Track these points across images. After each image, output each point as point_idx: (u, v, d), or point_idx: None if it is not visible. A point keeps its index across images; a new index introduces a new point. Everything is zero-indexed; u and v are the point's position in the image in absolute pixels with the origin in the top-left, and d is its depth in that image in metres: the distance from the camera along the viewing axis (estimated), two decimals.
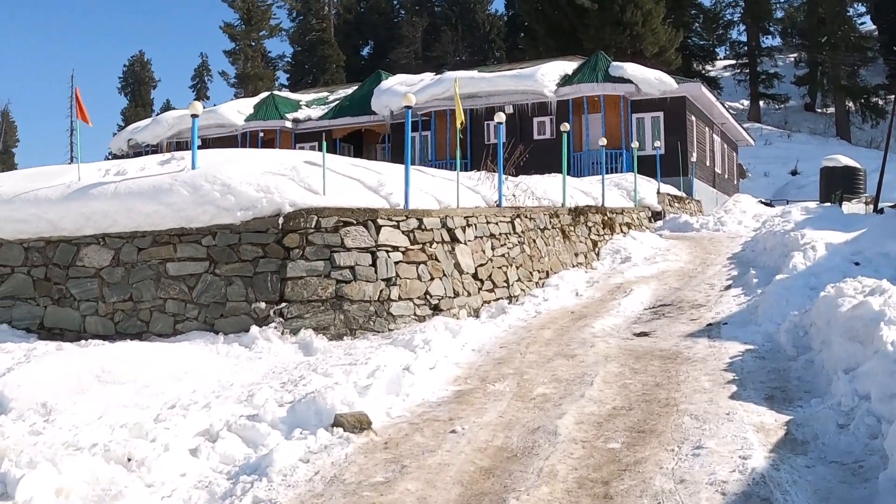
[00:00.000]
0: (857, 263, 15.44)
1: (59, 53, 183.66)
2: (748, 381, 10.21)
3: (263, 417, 9.14)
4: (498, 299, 16.57)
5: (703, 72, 78.86)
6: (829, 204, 27.70)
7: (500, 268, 17.14)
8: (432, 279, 14.93)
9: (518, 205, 19.63)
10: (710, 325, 14.08)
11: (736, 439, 7.91)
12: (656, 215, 31.53)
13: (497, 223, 17.73)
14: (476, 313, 15.69)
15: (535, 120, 39.71)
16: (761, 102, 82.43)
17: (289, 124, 46.28)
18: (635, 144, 33.34)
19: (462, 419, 9.24)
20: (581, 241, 22.36)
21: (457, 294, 15.38)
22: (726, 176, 48.82)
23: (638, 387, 10.26)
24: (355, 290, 13.99)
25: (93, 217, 15.01)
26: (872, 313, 9.48)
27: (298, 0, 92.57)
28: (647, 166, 34.45)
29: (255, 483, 7.59)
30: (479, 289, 16.25)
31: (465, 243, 16.18)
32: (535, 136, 38.83)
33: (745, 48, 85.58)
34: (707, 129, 43.22)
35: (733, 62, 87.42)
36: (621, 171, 35.59)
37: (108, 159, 42.59)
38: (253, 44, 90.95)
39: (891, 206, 21.98)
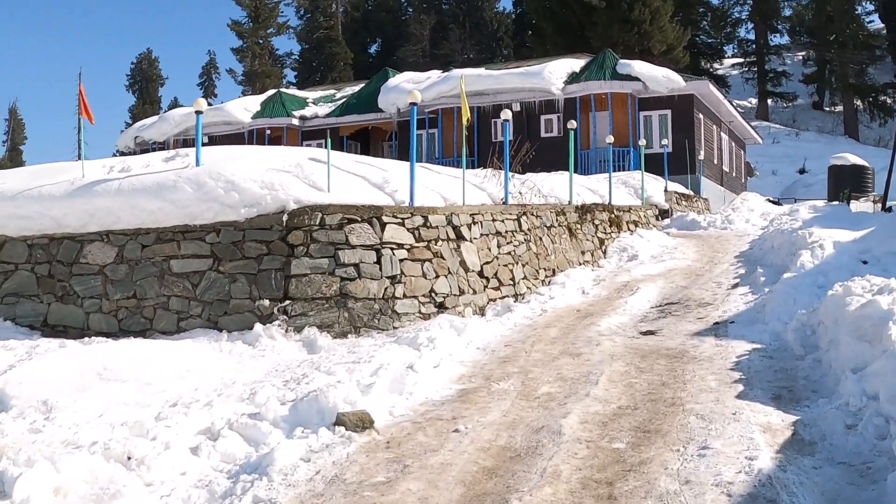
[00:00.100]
0: (865, 262, 15.32)
1: (67, 51, 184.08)
2: (755, 381, 10.10)
3: (265, 416, 9.06)
4: (504, 297, 16.48)
5: (711, 70, 78.83)
6: (837, 202, 27.63)
7: (505, 266, 17.06)
8: (437, 277, 14.84)
9: (524, 202, 19.53)
10: (716, 323, 13.98)
11: (742, 440, 7.81)
12: (663, 213, 31.41)
13: (503, 221, 17.63)
14: (481, 311, 15.60)
15: (543, 118, 39.62)
16: (769, 101, 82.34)
17: (296, 122, 46.22)
18: (643, 142, 33.25)
19: (465, 418, 9.15)
20: (588, 239, 22.26)
21: (462, 292, 15.29)
22: (734, 174, 48.70)
23: (643, 386, 10.17)
24: (360, 288, 13.90)
25: (97, 214, 14.94)
26: (881, 312, 9.37)
27: None
28: (654, 164, 34.36)
29: (255, 482, 7.52)
30: (485, 287, 16.17)
31: (471, 241, 16.08)
32: (543, 134, 38.75)
33: (753, 46, 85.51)
34: (715, 126, 43.10)
35: (741, 60, 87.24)
36: (629, 169, 35.44)
37: (116, 157, 42.61)
38: (260, 41, 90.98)
39: None
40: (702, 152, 38.89)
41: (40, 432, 8.83)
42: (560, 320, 14.94)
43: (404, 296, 14.26)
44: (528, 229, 18.64)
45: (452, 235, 15.59)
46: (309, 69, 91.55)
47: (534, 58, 49.16)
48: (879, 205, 23.73)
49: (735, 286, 17.26)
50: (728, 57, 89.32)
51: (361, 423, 8.79)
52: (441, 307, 14.70)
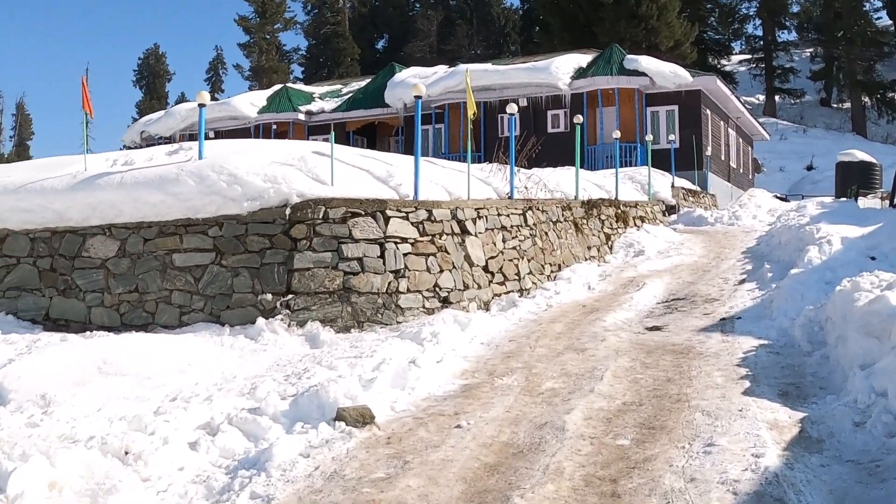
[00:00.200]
0: (873, 258, 15.19)
1: (74, 46, 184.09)
2: (762, 377, 9.97)
3: (265, 411, 8.95)
4: (509, 292, 16.38)
5: (719, 66, 78.67)
6: (844, 199, 27.54)
7: (511, 260, 16.94)
8: (442, 271, 14.73)
9: (530, 197, 19.41)
10: (723, 319, 13.86)
11: (749, 437, 7.67)
12: (670, 209, 31.30)
13: (508, 215, 17.52)
14: (486, 306, 15.49)
15: (549, 113, 39.48)
16: (777, 97, 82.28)
17: (302, 117, 46.10)
18: (649, 138, 33.08)
19: (468, 414, 9.02)
20: (594, 235, 22.14)
21: (467, 287, 15.18)
22: (741, 170, 48.54)
23: (649, 382, 10.04)
24: (363, 282, 13.80)
25: (99, 207, 14.86)
26: (890, 308, 9.23)
27: None
28: (661, 160, 34.23)
29: (253, 478, 7.40)
30: (490, 281, 16.06)
31: (476, 235, 15.97)
32: (549, 129, 38.61)
33: (761, 43, 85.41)
34: (722, 123, 42.94)
35: (749, 57, 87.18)
36: (635, 165, 35.32)
37: (122, 151, 42.54)
38: (267, 37, 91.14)
39: None
40: (709, 148, 38.74)
41: (37, 426, 8.75)
42: (565, 315, 14.82)
43: (408, 290, 14.15)
44: (534, 224, 18.52)
45: (457, 230, 15.48)
46: (316, 65, 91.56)
47: (541, 53, 48.94)
48: (887, 201, 23.62)
49: (742, 282, 17.15)
50: (736, 53, 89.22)
51: (362, 418, 8.67)
52: (445, 302, 14.60)
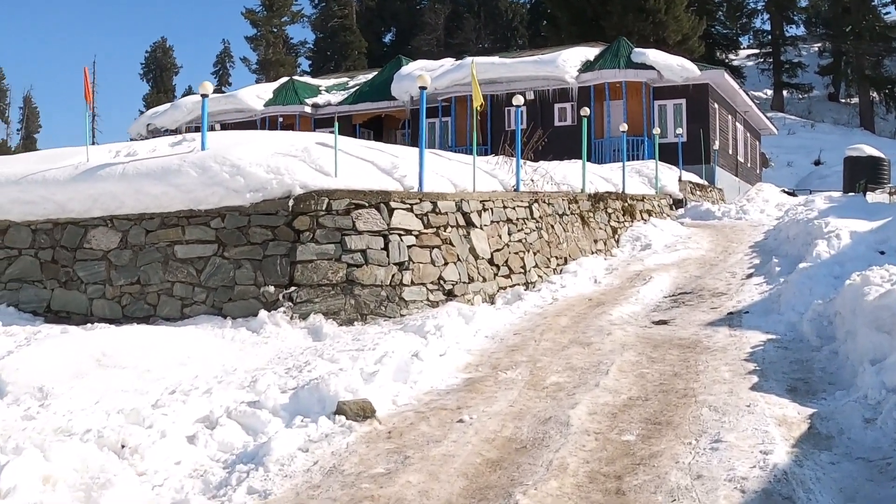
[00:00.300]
0: (882, 252, 15.04)
1: (82, 39, 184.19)
2: (770, 372, 9.82)
3: (265, 404, 8.82)
4: (514, 285, 16.23)
5: (727, 60, 78.35)
6: (852, 194, 27.35)
7: (516, 253, 16.80)
8: (446, 264, 14.59)
9: (536, 190, 19.26)
10: (730, 313, 13.71)
11: (757, 433, 7.51)
12: (677, 203, 31.17)
13: (514, 208, 17.37)
14: (491, 299, 15.35)
15: (556, 106, 39.33)
16: (785, 92, 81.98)
17: (308, 109, 46.00)
18: (657, 131, 32.91)
19: (470, 408, 8.89)
20: (600, 228, 22.00)
21: (472, 279, 15.04)
22: (749, 165, 48.37)
23: (655, 376, 9.90)
24: (366, 275, 13.67)
25: (100, 198, 14.75)
26: None
27: None
28: (668, 154, 34.06)
29: (251, 472, 7.28)
30: (495, 274, 15.91)
31: (481, 228, 15.83)
32: (556, 123, 38.46)
33: (769, 37, 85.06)
34: (730, 117, 42.77)
35: (757, 51, 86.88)
36: (643, 159, 35.21)
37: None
38: (275, 30, 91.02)
39: None
40: (717, 142, 38.58)
41: (34, 419, 8.61)
42: (571, 309, 14.69)
43: (412, 283, 14.02)
44: (540, 217, 18.37)
45: (462, 222, 15.33)
46: (323, 58, 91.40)
47: (548, 47, 48.77)
48: (895, 196, 23.46)
49: (750, 276, 17.00)
50: (743, 48, 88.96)
51: (362, 412, 8.54)
52: (450, 295, 14.45)
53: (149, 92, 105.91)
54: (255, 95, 47.39)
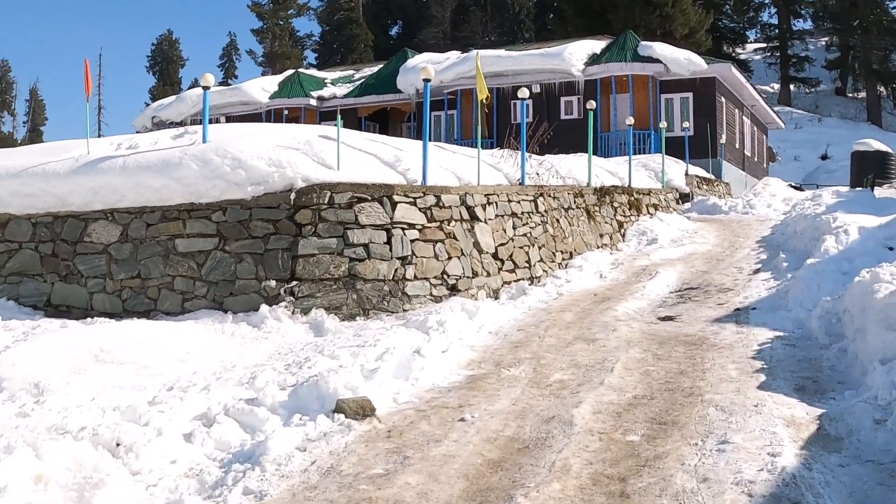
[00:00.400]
0: (890, 248, 14.88)
1: (88, 32, 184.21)
2: (778, 370, 9.65)
3: (263, 401, 8.67)
4: (518, 280, 16.09)
5: (734, 54, 78.23)
6: (860, 188, 27.22)
7: (521, 248, 16.65)
8: (450, 258, 14.43)
9: (542, 183, 19.10)
10: (737, 309, 13.55)
11: (764, 434, 7.32)
12: (684, 197, 31.00)
13: (519, 202, 17.21)
14: (495, 294, 15.21)
15: (563, 99, 39.14)
16: (792, 86, 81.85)
17: (314, 102, 45.85)
18: (663, 125, 32.76)
19: (472, 406, 8.73)
20: (606, 222, 21.85)
21: (475, 274, 14.89)
22: (756, 159, 48.17)
23: (661, 374, 9.74)
24: (369, 269, 13.51)
25: (101, 192, 14.63)
26: None
27: None
28: (675, 147, 33.90)
29: (247, 472, 7.13)
30: (499, 269, 15.76)
31: (486, 222, 15.68)
32: (563, 116, 38.29)
33: (776, 31, 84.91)
34: (737, 111, 42.58)
35: (764, 45, 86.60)
36: (649, 152, 35.03)
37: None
38: (281, 23, 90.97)
39: None
40: (723, 136, 38.41)
41: (28, 416, 8.46)
42: (576, 304, 14.54)
43: (415, 277, 13.87)
44: (545, 211, 18.21)
45: (466, 216, 15.18)
46: (329, 51, 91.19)
47: (555, 40, 48.58)
48: None
49: (757, 271, 16.86)
50: (750, 42, 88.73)
51: (362, 410, 8.38)
52: (453, 289, 14.31)
53: (155, 84, 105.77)
54: (261, 88, 47.27)
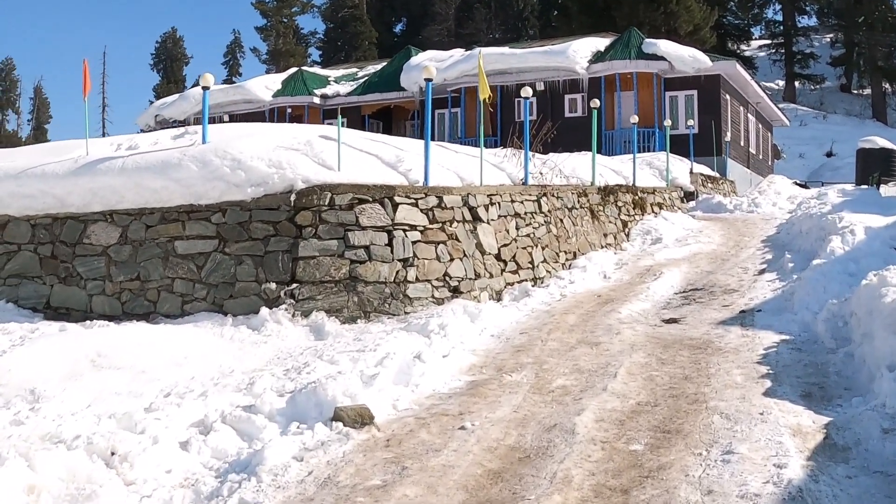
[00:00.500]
0: None
1: (92, 29, 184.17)
2: (783, 376, 9.48)
3: (261, 409, 8.54)
4: (522, 281, 15.96)
5: (738, 51, 78.15)
6: (865, 186, 27.16)
7: (524, 248, 16.51)
8: (452, 260, 14.31)
9: (545, 183, 18.97)
10: (742, 311, 13.41)
11: (770, 444, 7.16)
12: (689, 195, 30.84)
13: (522, 202, 17.08)
14: (498, 296, 15.08)
15: (567, 97, 39.01)
16: (797, 83, 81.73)
17: (317, 100, 45.80)
18: (668, 123, 32.62)
19: (473, 414, 8.59)
20: (610, 222, 21.72)
21: (478, 276, 14.76)
22: (760, 156, 48.05)
23: (665, 379, 9.60)
24: (370, 271, 13.38)
25: (100, 193, 14.52)
26: None
27: None
28: (679, 145, 33.74)
29: (243, 483, 6.99)
30: (502, 270, 15.63)
31: (488, 222, 15.55)
32: (566, 114, 38.20)
33: (781, 28, 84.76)
34: (742, 108, 42.43)
35: (768, 42, 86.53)
36: (654, 150, 34.95)
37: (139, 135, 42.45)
38: (285, 20, 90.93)
39: None
40: (728, 134, 38.24)
41: (22, 424, 8.31)
42: (579, 306, 14.40)
43: (417, 280, 13.74)
44: (549, 211, 18.07)
45: (468, 217, 15.06)
46: (333, 48, 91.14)
47: (559, 37, 48.46)
48: None
49: (762, 272, 16.72)
50: (755, 38, 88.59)
51: (360, 418, 8.24)
52: (455, 291, 14.18)
53: (159, 82, 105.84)
54: (264, 86, 47.22)
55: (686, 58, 37.36)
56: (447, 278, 14.15)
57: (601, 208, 21.44)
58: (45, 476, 6.95)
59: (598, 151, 24.30)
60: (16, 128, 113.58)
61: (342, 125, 15.27)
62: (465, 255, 14.56)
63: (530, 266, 16.50)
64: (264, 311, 12.86)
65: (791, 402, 8.43)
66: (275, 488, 6.89)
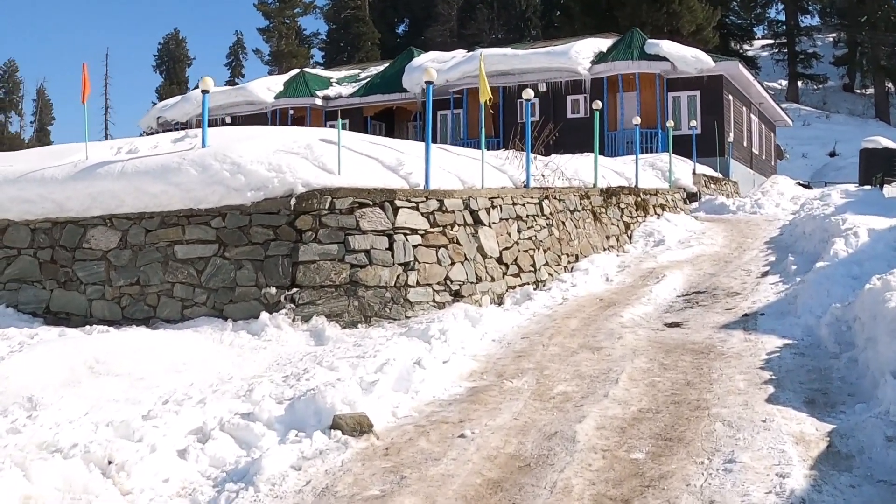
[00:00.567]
0: None
1: (95, 31, 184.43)
2: (786, 382, 9.39)
3: (259, 416, 8.47)
4: (523, 285, 15.89)
5: (741, 51, 78.09)
6: (869, 187, 27.08)
7: (526, 251, 16.44)
8: (453, 264, 14.24)
9: (547, 185, 18.89)
10: (745, 315, 13.32)
11: (773, 452, 7.08)
12: (691, 197, 30.77)
13: (524, 204, 17.00)
14: (500, 300, 15.00)
15: (569, 98, 38.95)
16: (799, 83, 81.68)
17: (319, 102, 45.79)
18: (671, 124, 32.56)
19: (473, 421, 8.52)
20: (613, 224, 21.64)
21: (479, 279, 14.69)
22: (763, 157, 47.97)
23: (667, 385, 9.52)
24: (371, 276, 13.32)
25: (99, 197, 14.47)
26: None
27: None
28: (682, 146, 33.68)
29: (240, 492, 6.94)
30: (504, 274, 15.56)
31: (490, 226, 15.47)
32: (569, 115, 38.15)
33: (784, 27, 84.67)
34: (744, 108, 42.36)
35: (771, 42, 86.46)
36: (656, 151, 34.89)
37: (142, 137, 42.43)
38: (287, 21, 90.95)
39: None
40: (731, 134, 38.21)
41: (19, 432, 8.23)
42: (581, 310, 14.32)
43: (418, 283, 13.67)
44: (551, 213, 18.00)
45: (470, 220, 14.99)
46: (336, 49, 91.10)
47: (562, 38, 48.38)
48: None
49: (765, 274, 16.65)
50: (758, 38, 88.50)
51: (359, 426, 8.17)
52: (457, 295, 14.11)
53: (162, 84, 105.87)
54: (266, 88, 47.23)
55: (688, 58, 37.31)
56: (448, 282, 14.08)
57: (603, 210, 21.37)
58: (41, 486, 6.88)
59: (601, 153, 24.23)
60: (19, 129, 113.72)
61: (343, 127, 15.20)
62: (466, 258, 14.49)
63: (532, 269, 16.42)
64: (264, 315, 12.80)
65: (794, 409, 8.35)
66: (272, 498, 6.82)
